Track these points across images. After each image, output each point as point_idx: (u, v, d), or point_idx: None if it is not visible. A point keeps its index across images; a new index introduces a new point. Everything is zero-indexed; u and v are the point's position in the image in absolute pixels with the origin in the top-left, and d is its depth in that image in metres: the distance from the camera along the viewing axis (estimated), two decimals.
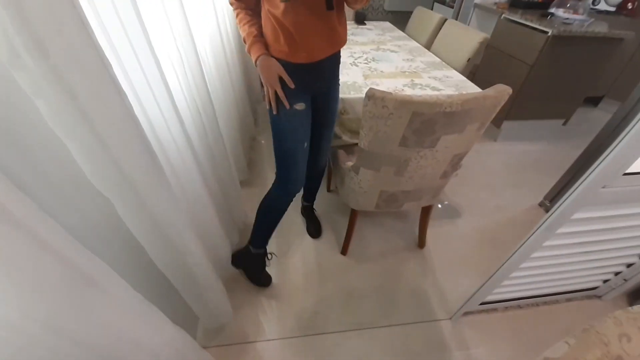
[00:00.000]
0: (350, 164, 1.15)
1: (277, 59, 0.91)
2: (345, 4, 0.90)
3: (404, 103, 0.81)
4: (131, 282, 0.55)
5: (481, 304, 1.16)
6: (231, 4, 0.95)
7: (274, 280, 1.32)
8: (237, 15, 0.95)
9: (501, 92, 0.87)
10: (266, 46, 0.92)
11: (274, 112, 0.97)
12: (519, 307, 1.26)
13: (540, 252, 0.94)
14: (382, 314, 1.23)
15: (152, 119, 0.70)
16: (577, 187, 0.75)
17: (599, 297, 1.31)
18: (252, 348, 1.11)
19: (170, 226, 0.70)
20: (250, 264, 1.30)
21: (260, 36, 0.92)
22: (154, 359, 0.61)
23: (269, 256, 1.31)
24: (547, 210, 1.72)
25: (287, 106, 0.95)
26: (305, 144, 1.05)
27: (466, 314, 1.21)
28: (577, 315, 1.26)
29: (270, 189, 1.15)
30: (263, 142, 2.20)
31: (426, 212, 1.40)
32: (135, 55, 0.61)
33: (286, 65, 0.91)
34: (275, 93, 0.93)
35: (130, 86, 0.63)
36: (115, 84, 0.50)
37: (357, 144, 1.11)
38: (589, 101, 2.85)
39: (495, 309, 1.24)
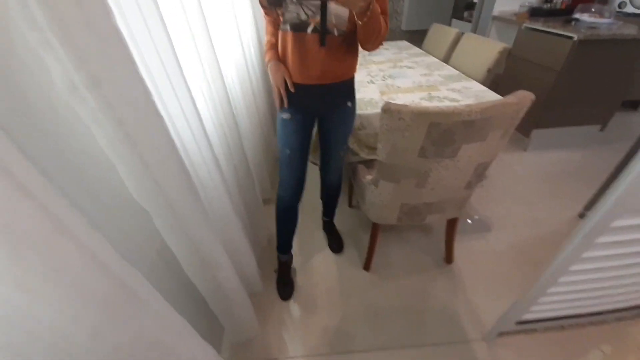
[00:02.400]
0: (370, 177, 1.16)
1: None
2: (359, 45, 0.98)
3: (420, 114, 0.82)
4: (162, 292, 0.59)
5: (518, 323, 1.08)
6: (265, 14, 1.08)
7: (296, 295, 1.33)
8: (265, 25, 1.11)
9: (523, 98, 0.85)
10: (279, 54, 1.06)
11: (278, 109, 1.11)
12: (562, 327, 1.16)
13: (580, 265, 0.88)
14: (410, 333, 1.18)
15: (185, 142, 0.77)
16: (617, 191, 0.70)
17: None
18: None
19: (201, 239, 0.75)
20: (278, 269, 1.38)
21: (275, 45, 1.07)
22: None
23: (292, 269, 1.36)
24: None
25: (286, 104, 1.08)
26: (288, 152, 1.11)
27: (501, 334, 1.13)
28: (628, 337, 1.13)
29: None
30: None
31: (452, 225, 1.36)
32: (171, 85, 0.69)
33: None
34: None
35: (166, 112, 0.70)
36: (155, 111, 0.56)
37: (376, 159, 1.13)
38: (628, 105, 2.67)
39: (534, 330, 1.15)
